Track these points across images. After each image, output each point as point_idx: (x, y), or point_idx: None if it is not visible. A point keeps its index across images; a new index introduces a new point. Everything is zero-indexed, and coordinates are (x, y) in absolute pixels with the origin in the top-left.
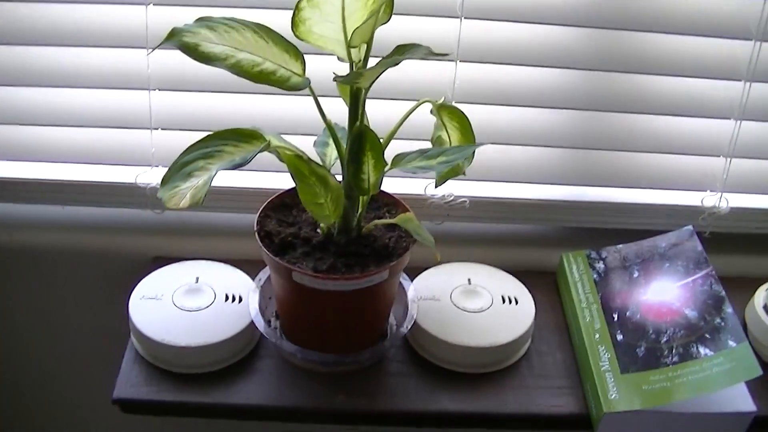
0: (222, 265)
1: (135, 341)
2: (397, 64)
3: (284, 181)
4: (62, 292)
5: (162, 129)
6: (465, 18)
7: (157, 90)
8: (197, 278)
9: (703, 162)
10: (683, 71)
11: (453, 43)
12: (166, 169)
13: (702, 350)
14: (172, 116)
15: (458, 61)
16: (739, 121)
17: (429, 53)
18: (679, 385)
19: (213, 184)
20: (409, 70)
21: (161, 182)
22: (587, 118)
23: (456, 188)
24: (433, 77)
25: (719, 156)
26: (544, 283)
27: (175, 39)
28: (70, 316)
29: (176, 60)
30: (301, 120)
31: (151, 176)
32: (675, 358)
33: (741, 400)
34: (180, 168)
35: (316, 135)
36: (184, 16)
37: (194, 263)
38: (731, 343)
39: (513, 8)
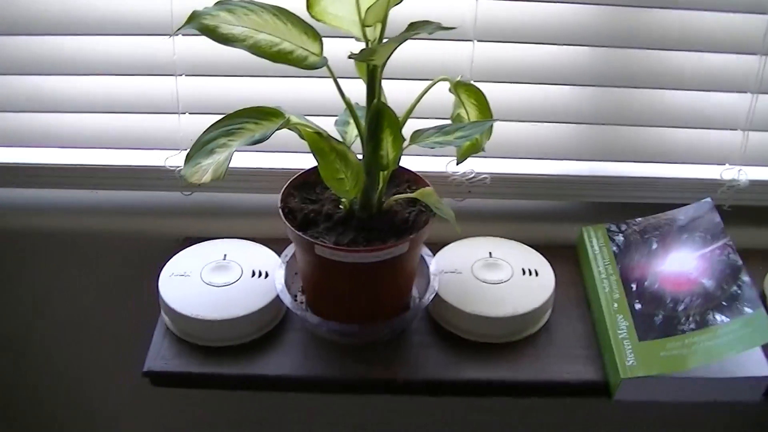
0: (249, 242)
1: (165, 317)
2: (406, 40)
3: (307, 161)
4: (96, 274)
5: (189, 113)
6: None
7: (183, 75)
8: (225, 255)
9: (721, 136)
10: (699, 46)
11: (470, 22)
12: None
13: (718, 317)
14: (198, 100)
15: (475, 41)
16: (755, 95)
17: (438, 28)
18: (695, 352)
19: (240, 165)
20: (427, 50)
21: (185, 159)
22: (605, 94)
23: (477, 165)
24: (451, 57)
25: (736, 129)
26: (563, 257)
27: (195, 22)
28: (104, 297)
29: (202, 45)
30: (322, 101)
31: (179, 159)
32: (692, 326)
33: (757, 365)
34: (203, 146)
35: (337, 115)
36: (209, 2)
37: (222, 241)
38: (747, 310)
39: None
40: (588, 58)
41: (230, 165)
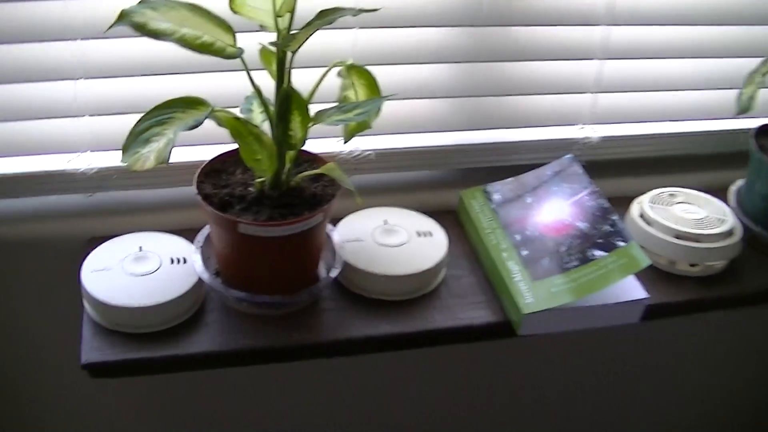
0: (160, 233)
1: (92, 311)
2: (321, 26)
3: (204, 154)
4: (8, 284)
5: (90, 116)
6: None
7: (82, 79)
8: (140, 247)
9: (574, 99)
10: (550, 21)
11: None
12: (96, 153)
13: (597, 253)
14: (99, 103)
15: (357, 28)
16: (602, 61)
17: (358, 12)
18: (582, 284)
19: None
20: (313, 40)
21: (122, 150)
22: (471, 69)
23: (361, 143)
24: (335, 45)
25: (587, 93)
26: (448, 220)
27: (126, 19)
28: (17, 307)
29: (100, 48)
30: (215, 95)
31: (81, 161)
32: (575, 263)
33: (634, 290)
34: (137, 136)
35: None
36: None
37: (133, 235)
38: (621, 243)
39: None
40: (455, 38)
41: None
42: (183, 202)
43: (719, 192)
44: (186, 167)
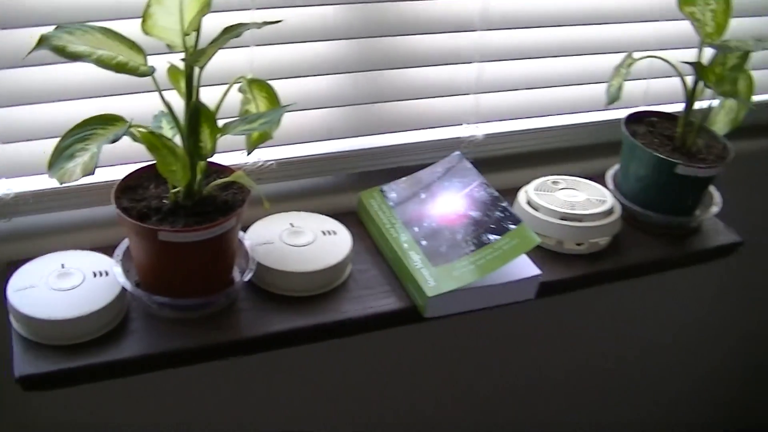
0: (79, 251)
1: (20, 328)
2: (227, 41)
3: (114, 174)
4: None
5: (3, 143)
6: (256, 9)
7: None
8: (62, 264)
9: (457, 101)
10: (430, 29)
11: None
12: (11, 179)
13: (491, 237)
14: (11, 130)
15: (253, 46)
16: (479, 64)
17: (262, 24)
18: (479, 266)
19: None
20: (215, 59)
21: (47, 166)
22: (360, 79)
23: (263, 154)
24: (232, 62)
25: (469, 94)
26: (350, 221)
27: (45, 44)
28: None
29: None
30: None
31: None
32: (471, 248)
33: (528, 268)
34: (61, 152)
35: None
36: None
37: (54, 255)
38: (512, 226)
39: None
40: (344, 50)
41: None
42: (99, 221)
43: (598, 178)
44: (99, 187)
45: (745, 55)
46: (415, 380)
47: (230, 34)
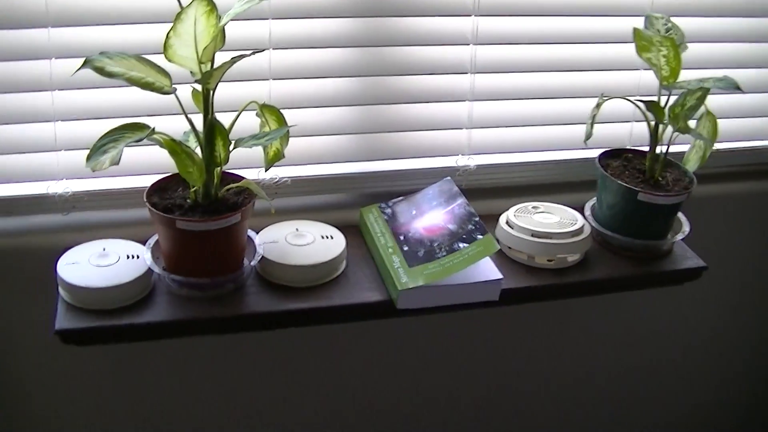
0: (119, 240)
1: (64, 294)
2: (230, 66)
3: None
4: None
5: (65, 150)
6: (274, 49)
7: (60, 121)
8: (104, 248)
9: (452, 134)
10: (429, 70)
11: (266, 64)
12: (71, 180)
13: (461, 245)
14: (72, 140)
15: (271, 80)
16: (470, 102)
17: (255, 52)
18: (448, 267)
19: (100, 188)
20: (235, 86)
21: (86, 160)
22: (369, 111)
23: (280, 172)
24: (254, 93)
25: (462, 129)
26: (351, 233)
27: (88, 64)
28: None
29: (70, 97)
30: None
31: (58, 187)
32: (444, 253)
33: (492, 273)
34: (97, 149)
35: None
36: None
37: (99, 242)
38: (479, 236)
39: (312, 37)
40: (354, 86)
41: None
42: (139, 220)
43: (578, 208)
44: (140, 191)
45: (702, 97)
46: (394, 378)
47: (231, 60)
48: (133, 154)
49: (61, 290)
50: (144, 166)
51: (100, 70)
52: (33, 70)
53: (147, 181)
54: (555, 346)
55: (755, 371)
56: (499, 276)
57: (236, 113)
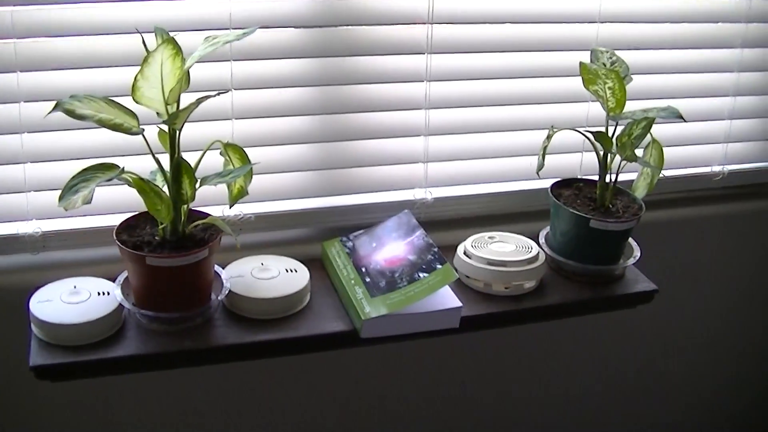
0: (89, 278)
1: (37, 331)
2: (194, 108)
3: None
4: None
5: (34, 191)
6: (236, 89)
7: (29, 163)
8: (75, 286)
9: (410, 168)
10: (384, 107)
11: (231, 107)
12: (41, 220)
13: (421, 275)
14: (41, 181)
15: (234, 119)
16: (426, 137)
17: (218, 93)
18: (409, 296)
19: (69, 227)
20: (200, 126)
21: (58, 200)
22: (327, 147)
23: (244, 208)
24: (217, 131)
25: (419, 162)
26: (314, 266)
27: (59, 108)
28: None
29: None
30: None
31: (28, 227)
32: (405, 283)
33: (452, 301)
34: (69, 189)
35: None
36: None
37: (69, 279)
38: (438, 266)
39: (273, 77)
40: (314, 124)
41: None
42: (109, 258)
43: (533, 237)
44: (109, 231)
45: (647, 126)
46: (361, 404)
47: (195, 102)
48: (101, 193)
49: (33, 327)
50: (112, 204)
51: (71, 113)
52: (2, 114)
53: (116, 219)
54: (518, 368)
55: (706, 400)
56: (459, 304)
57: (201, 152)
